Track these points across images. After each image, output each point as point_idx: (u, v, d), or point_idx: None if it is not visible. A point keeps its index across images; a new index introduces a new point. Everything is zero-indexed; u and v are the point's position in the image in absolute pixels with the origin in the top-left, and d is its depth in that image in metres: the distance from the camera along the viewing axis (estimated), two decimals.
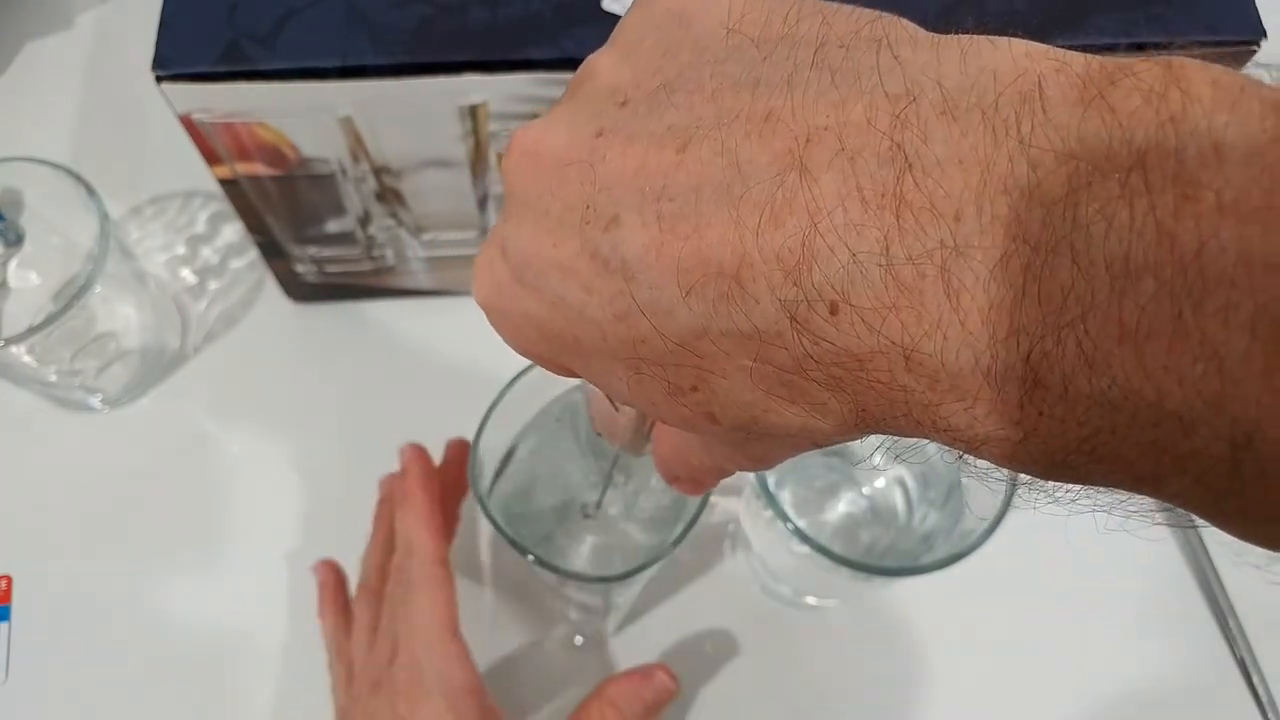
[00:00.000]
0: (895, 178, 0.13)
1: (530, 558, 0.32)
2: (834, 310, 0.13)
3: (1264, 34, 0.33)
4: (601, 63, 0.17)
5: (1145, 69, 0.12)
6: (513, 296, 0.17)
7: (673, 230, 0.14)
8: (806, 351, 0.14)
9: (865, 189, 0.13)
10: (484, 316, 0.19)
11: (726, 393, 0.15)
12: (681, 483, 0.22)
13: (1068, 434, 0.12)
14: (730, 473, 0.21)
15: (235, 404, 0.47)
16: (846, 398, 0.14)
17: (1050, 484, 0.14)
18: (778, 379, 0.14)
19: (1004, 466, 0.14)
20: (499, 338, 0.19)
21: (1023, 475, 0.14)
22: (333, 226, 0.42)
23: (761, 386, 0.15)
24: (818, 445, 0.17)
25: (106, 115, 0.53)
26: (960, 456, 0.14)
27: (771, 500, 0.33)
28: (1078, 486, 0.14)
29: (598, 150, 0.16)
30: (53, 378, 0.43)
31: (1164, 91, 0.11)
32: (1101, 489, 0.13)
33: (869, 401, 0.14)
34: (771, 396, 0.15)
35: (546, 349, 0.18)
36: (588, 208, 0.16)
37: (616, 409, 0.24)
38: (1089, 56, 0.13)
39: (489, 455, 0.35)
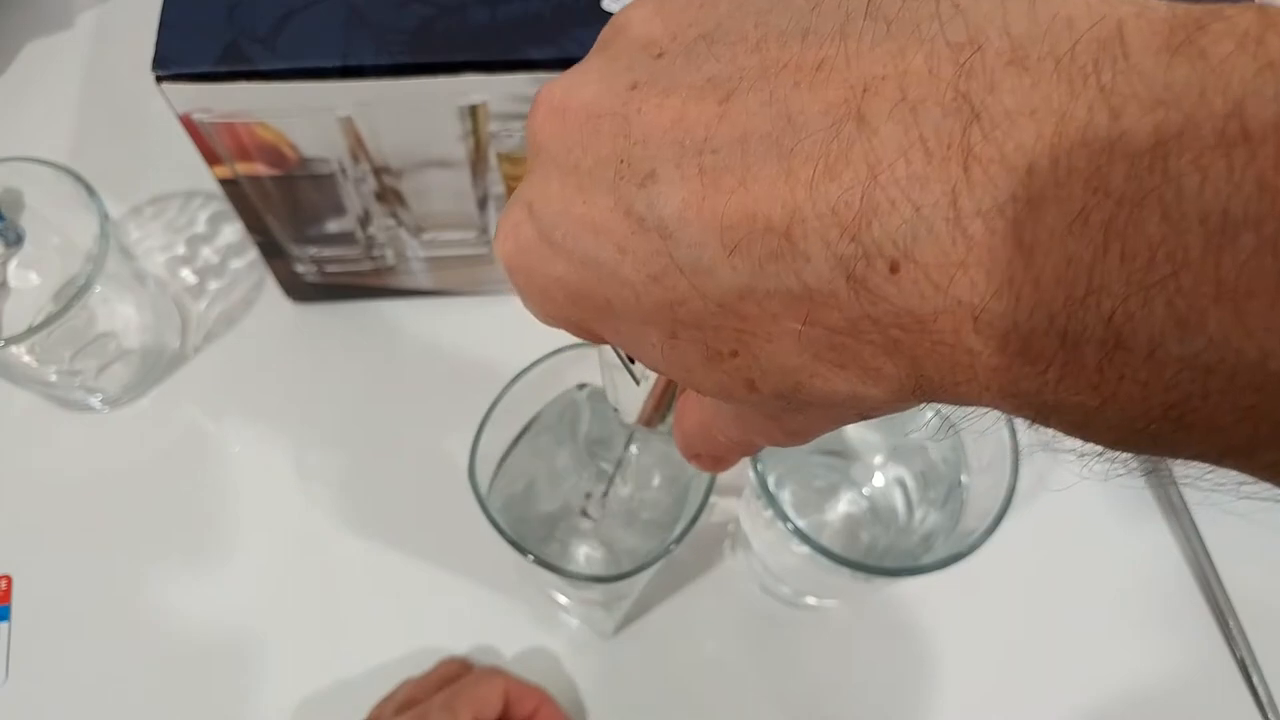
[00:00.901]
0: (961, 129, 0.12)
1: (530, 558, 0.32)
2: (895, 268, 0.12)
3: None
4: (634, 14, 0.16)
5: (1236, 13, 0.11)
6: (540, 257, 0.16)
7: (715, 184, 0.14)
8: (864, 312, 0.13)
9: (929, 140, 0.12)
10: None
11: (770, 357, 0.14)
12: (702, 459, 0.21)
13: (1150, 400, 0.11)
14: (757, 449, 0.20)
15: (235, 404, 0.47)
16: (904, 362, 0.13)
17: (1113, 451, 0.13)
18: (827, 342, 0.14)
19: (1075, 436, 0.13)
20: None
21: (1090, 446, 0.13)
22: (333, 226, 0.42)
23: (809, 351, 0.14)
24: (863, 416, 0.16)
25: (106, 115, 0.53)
26: (1030, 425, 0.13)
27: (771, 500, 0.33)
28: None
29: (632, 103, 0.15)
30: (53, 378, 0.43)
31: (1260, 36, 0.11)
32: (1181, 460, 0.12)
33: (929, 366, 0.13)
34: (819, 361, 0.14)
35: (574, 312, 0.17)
36: (621, 162, 0.15)
37: (637, 381, 0.23)
38: (1171, 2, 0.12)
39: (489, 455, 0.35)
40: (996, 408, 0.13)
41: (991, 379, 0.13)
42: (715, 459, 0.21)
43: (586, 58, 0.17)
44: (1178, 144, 0.11)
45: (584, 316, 0.17)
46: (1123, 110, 0.11)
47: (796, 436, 0.18)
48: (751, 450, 0.20)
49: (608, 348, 0.23)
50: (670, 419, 0.23)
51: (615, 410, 0.26)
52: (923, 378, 0.13)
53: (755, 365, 0.15)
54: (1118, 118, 0.11)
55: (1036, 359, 0.12)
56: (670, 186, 0.14)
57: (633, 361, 0.23)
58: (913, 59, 0.13)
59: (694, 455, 0.21)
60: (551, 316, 0.17)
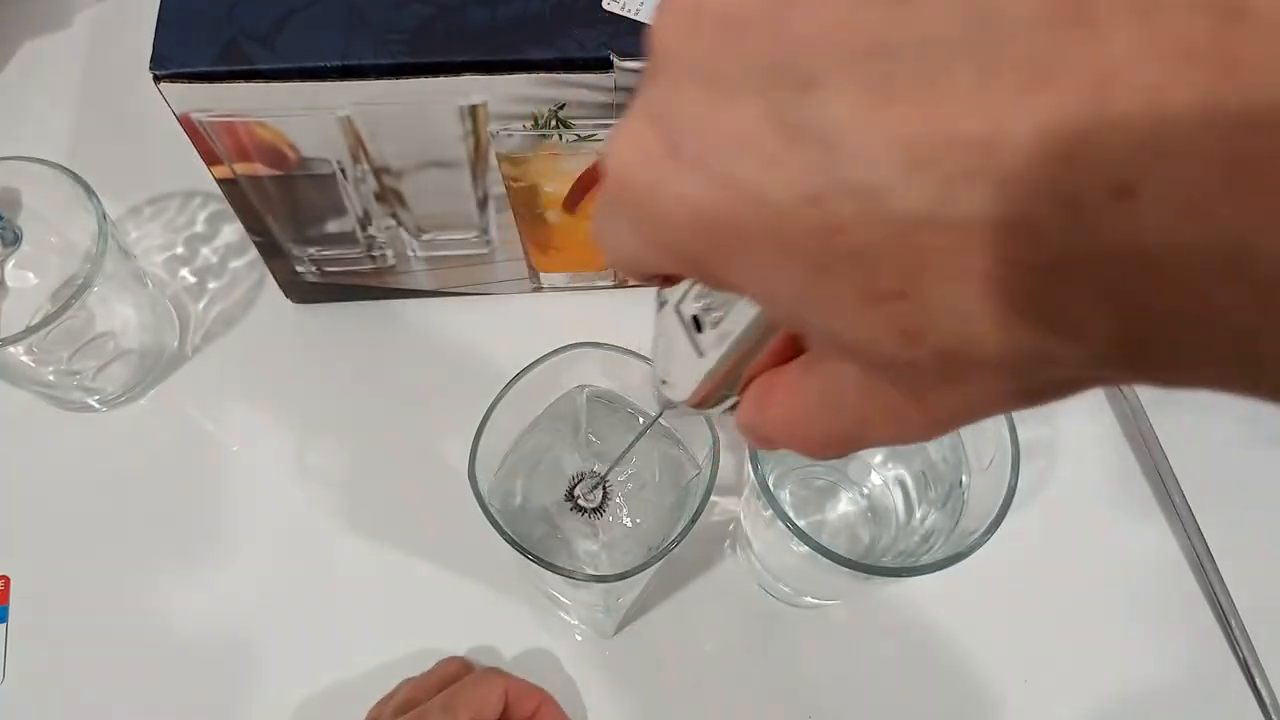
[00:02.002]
0: (1215, 28, 0.10)
1: (530, 558, 0.32)
2: (1125, 194, 0.10)
3: None
4: None
5: None
6: (663, 175, 0.14)
7: (893, 89, 0.11)
8: (1080, 247, 0.11)
9: (1176, 40, 0.10)
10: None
11: (943, 301, 0.12)
12: (769, 441, 0.18)
13: None
14: (867, 445, 0.16)
15: (234, 404, 0.47)
16: (1114, 314, 0.11)
17: None
18: (1022, 285, 0.11)
19: None
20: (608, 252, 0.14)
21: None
22: (333, 226, 0.42)
23: (996, 294, 0.11)
24: (1032, 400, 0.13)
25: (105, 114, 0.53)
26: (1266, 401, 0.11)
27: (771, 500, 0.33)
28: None
29: (784, 2, 0.12)
30: (51, 378, 0.43)
31: None
32: None
33: (1146, 323, 0.11)
34: (1007, 308, 0.12)
35: (695, 243, 0.14)
36: (774, 67, 0.12)
37: (700, 353, 0.20)
38: None
39: (489, 455, 0.35)
40: (1208, 387, 0.11)
41: (1232, 344, 0.10)
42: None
43: None
44: None
45: (706, 249, 0.14)
46: None
47: (938, 426, 0.15)
48: (859, 447, 0.17)
49: (669, 306, 0.21)
50: (729, 401, 0.20)
51: (663, 383, 0.22)
52: (1137, 340, 0.11)
53: (923, 311, 0.12)
54: None
55: None
56: (838, 93, 0.12)
57: (700, 329, 0.20)
58: None
59: (761, 439, 0.18)
60: (660, 247, 0.15)
